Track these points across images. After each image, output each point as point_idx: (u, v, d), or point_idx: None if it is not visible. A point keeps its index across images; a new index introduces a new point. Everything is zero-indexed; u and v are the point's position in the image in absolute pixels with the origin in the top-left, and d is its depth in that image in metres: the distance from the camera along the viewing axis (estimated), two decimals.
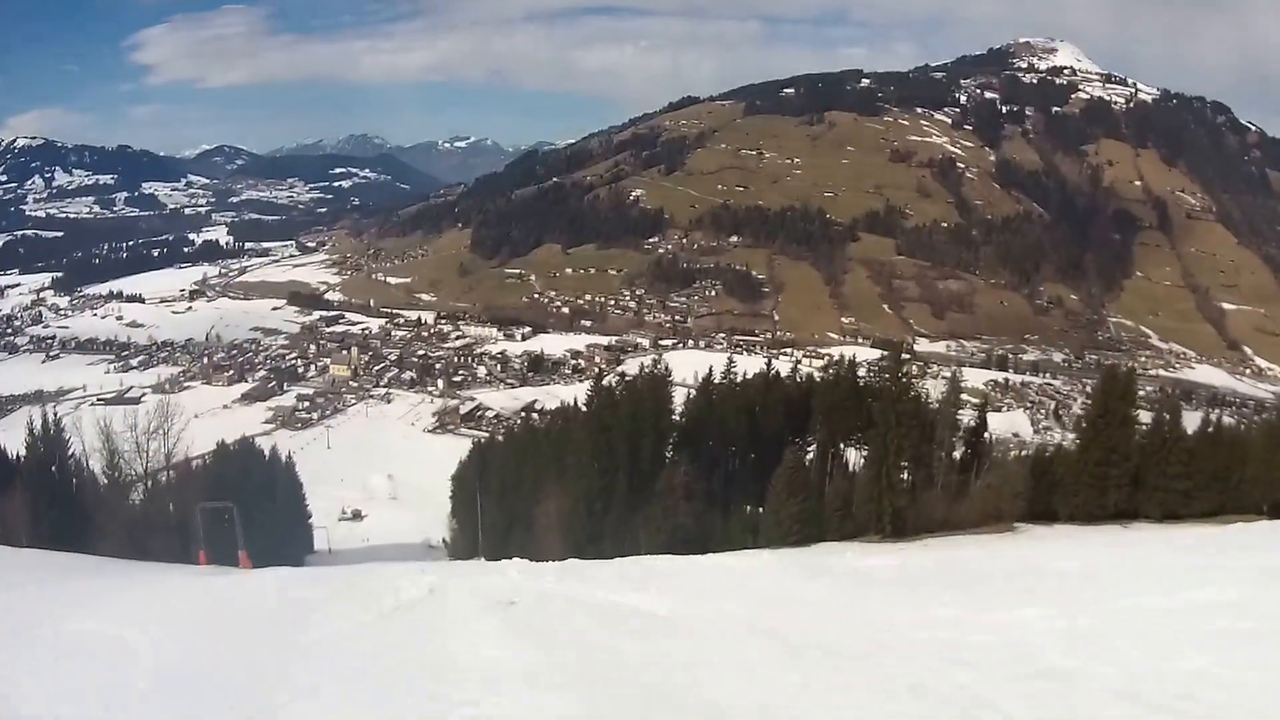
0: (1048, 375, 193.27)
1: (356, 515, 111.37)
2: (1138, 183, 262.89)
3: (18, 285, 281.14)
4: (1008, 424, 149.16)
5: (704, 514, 42.06)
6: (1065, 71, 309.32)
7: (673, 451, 45.43)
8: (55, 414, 45.37)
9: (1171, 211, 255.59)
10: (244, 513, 43.54)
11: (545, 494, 46.53)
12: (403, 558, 56.55)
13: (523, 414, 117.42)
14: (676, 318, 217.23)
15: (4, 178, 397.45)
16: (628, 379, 50.37)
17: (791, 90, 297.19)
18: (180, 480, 46.63)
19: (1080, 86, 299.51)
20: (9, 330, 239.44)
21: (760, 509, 41.90)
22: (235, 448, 65.03)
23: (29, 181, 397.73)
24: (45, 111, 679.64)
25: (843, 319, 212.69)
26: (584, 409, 47.58)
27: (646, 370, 52.08)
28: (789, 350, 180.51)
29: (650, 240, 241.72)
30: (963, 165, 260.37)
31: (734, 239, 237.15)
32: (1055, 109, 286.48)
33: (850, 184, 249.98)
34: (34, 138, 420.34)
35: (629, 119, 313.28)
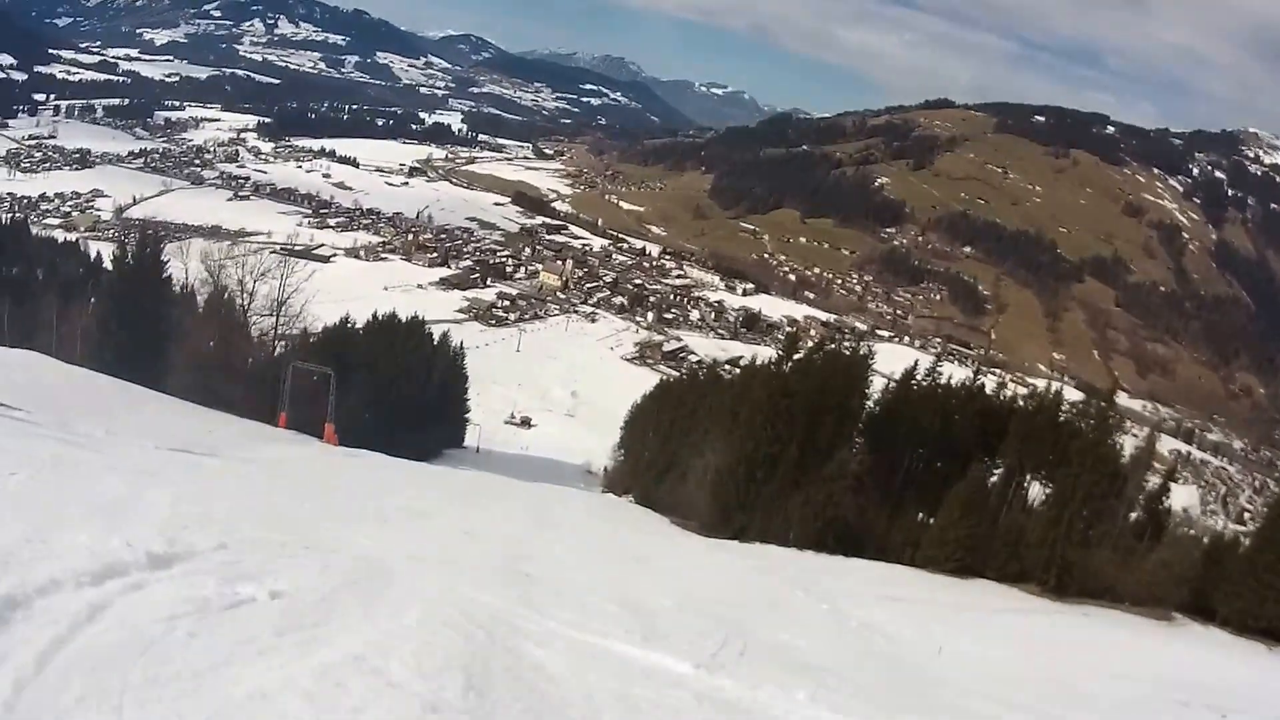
0: (1225, 459, 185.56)
1: (525, 422, 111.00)
2: None
3: (217, 120, 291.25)
4: (1180, 498, 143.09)
5: (867, 512, 38.10)
6: None
7: (854, 437, 41.20)
8: (225, 251, 43.23)
9: None
10: (374, 388, 43.86)
11: (710, 447, 42.76)
12: (553, 476, 54.46)
13: (724, 366, 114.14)
14: (898, 312, 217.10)
15: (218, 13, 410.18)
16: (827, 348, 46.18)
17: (1041, 118, 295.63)
18: (297, 339, 44.00)
19: None
20: (197, 161, 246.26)
21: (928, 521, 37.84)
22: (393, 321, 61.39)
23: (246, 23, 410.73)
24: None
25: (1054, 354, 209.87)
26: (772, 367, 43.29)
27: (848, 346, 47.70)
28: (996, 370, 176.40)
29: (888, 230, 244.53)
30: (1186, 235, 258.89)
31: (967, 249, 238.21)
32: (1274, 205, 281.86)
33: (1084, 224, 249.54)
34: None
35: (884, 107, 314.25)
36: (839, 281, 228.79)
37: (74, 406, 22.74)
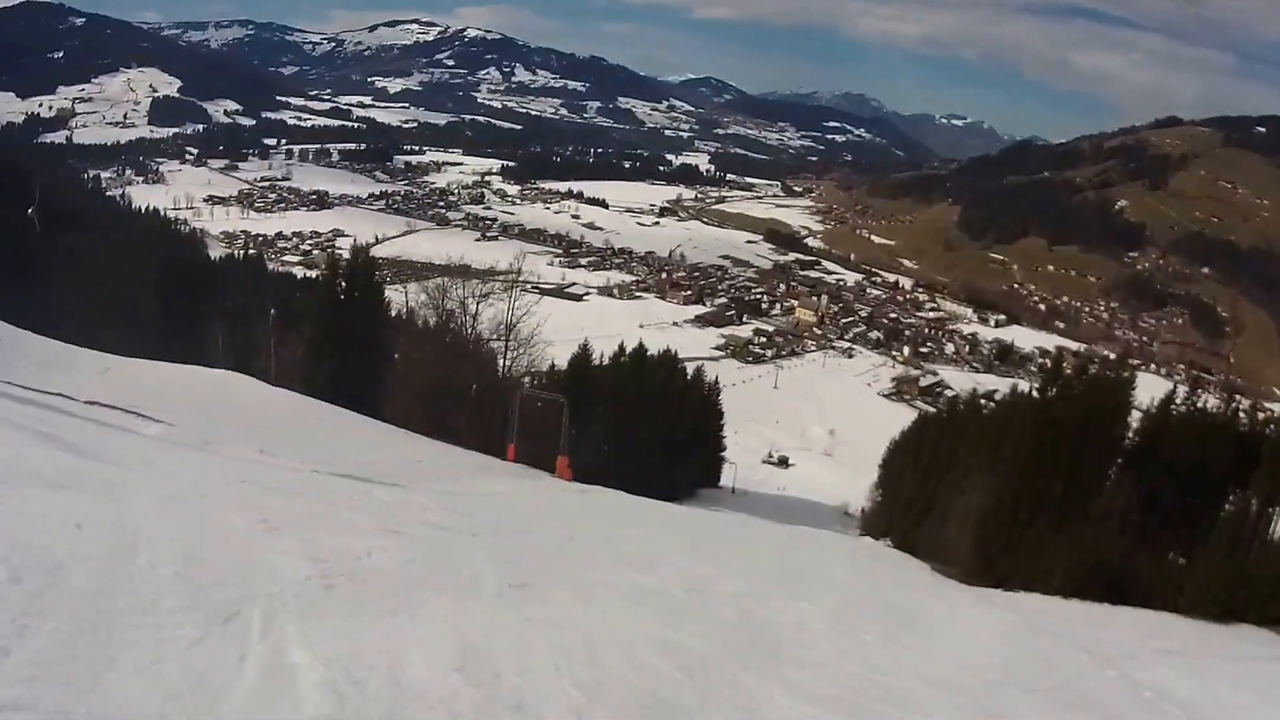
0: None
1: (783, 462, 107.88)
2: None
3: (460, 164, 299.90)
4: None
5: (1132, 554, 34.53)
6: None
7: (1117, 472, 37.89)
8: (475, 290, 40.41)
9: None
10: (617, 422, 41.31)
11: (971, 485, 39.72)
12: (809, 517, 51.83)
13: (981, 399, 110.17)
14: (1143, 338, 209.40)
15: (451, 63, 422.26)
16: (1089, 374, 42.55)
17: (1262, 129, 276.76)
18: (531, 367, 42.16)
19: None
20: (441, 203, 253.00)
21: (1184, 561, 33.98)
22: (642, 353, 57.39)
23: (483, 71, 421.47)
24: (500, 7, 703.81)
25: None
26: (1034, 395, 39.95)
27: (1110, 371, 44.10)
28: (1238, 396, 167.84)
29: (1130, 254, 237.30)
30: None
31: (1205, 270, 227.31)
32: None
33: None
34: (488, 30, 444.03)
35: (1118, 128, 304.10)
36: (1086, 309, 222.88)
37: (261, 426, 22.08)
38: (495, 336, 39.05)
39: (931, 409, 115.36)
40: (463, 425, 34.20)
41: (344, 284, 39.37)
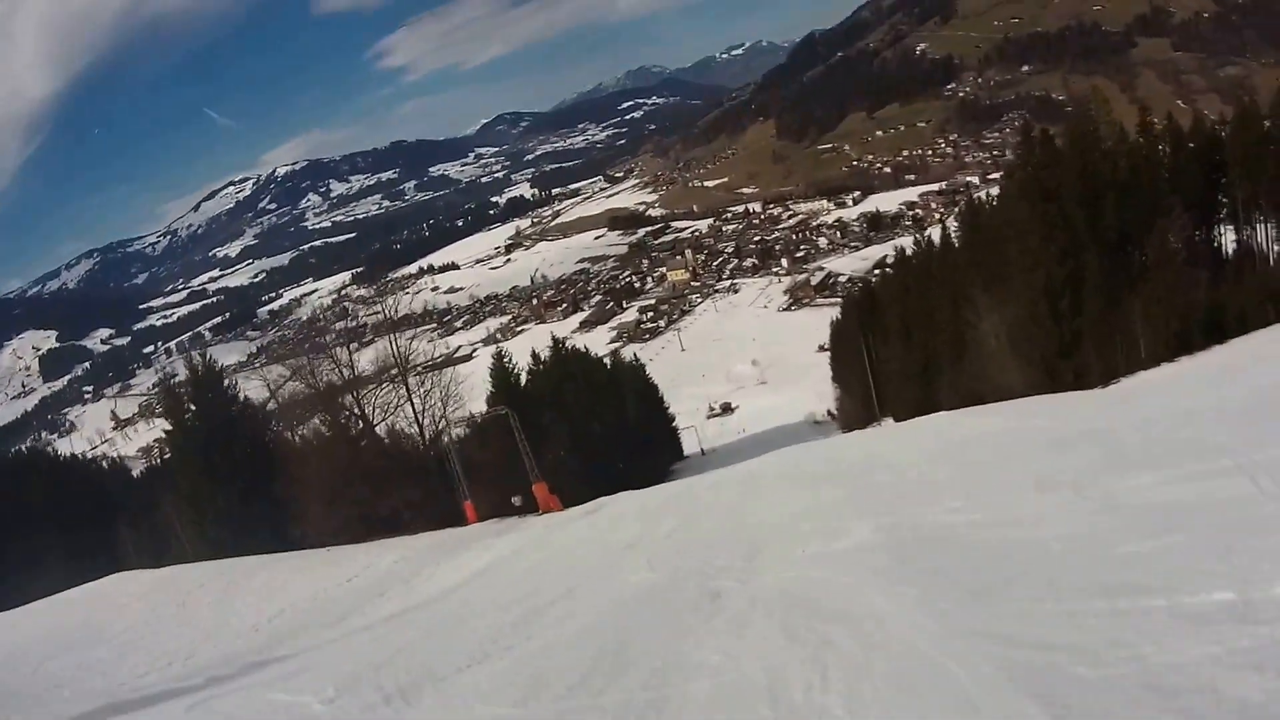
0: None
1: (726, 409, 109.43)
2: None
3: (316, 290, 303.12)
4: None
5: (1213, 283, 28.79)
6: None
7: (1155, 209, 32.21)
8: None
9: None
10: (569, 428, 38.16)
11: (980, 309, 33.26)
12: (789, 440, 48.73)
13: (877, 271, 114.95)
14: (994, 152, 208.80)
15: (274, 206, 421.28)
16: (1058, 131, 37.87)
17: None
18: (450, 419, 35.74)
19: None
20: (312, 332, 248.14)
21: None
22: (560, 353, 52.79)
23: (303, 201, 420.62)
24: (301, 139, 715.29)
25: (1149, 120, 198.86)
26: (1015, 181, 34.39)
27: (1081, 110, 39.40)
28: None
29: (948, 87, 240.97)
30: None
31: (1025, 68, 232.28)
32: None
33: None
34: (294, 163, 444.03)
35: None
36: (930, 152, 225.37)
37: (135, 645, 16.43)
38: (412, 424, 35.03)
39: (834, 300, 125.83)
40: (405, 507, 28.80)
41: (192, 407, 34.82)
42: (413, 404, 34.41)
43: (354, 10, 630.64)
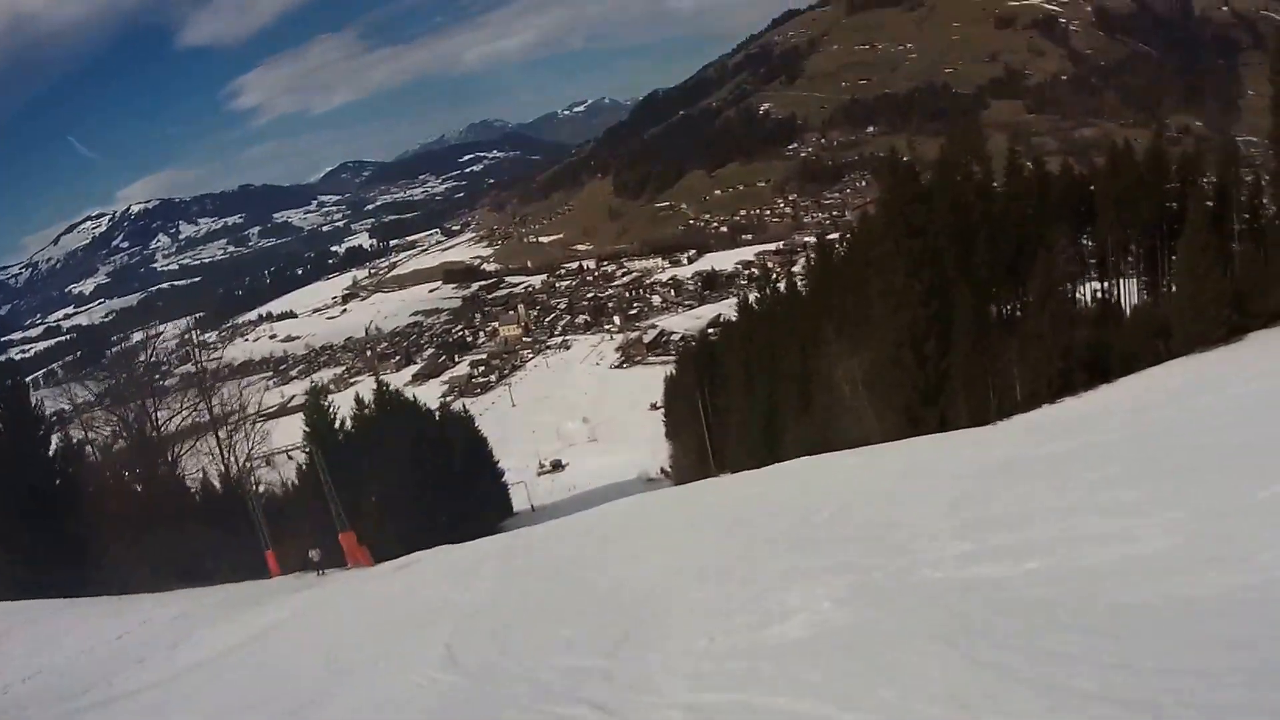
0: None
1: (557, 465, 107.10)
2: (1224, 8, 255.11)
3: (161, 333, 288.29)
4: None
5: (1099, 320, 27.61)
6: None
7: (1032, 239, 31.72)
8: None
9: (1262, 29, 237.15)
10: (388, 477, 35.44)
11: (832, 355, 31.14)
12: (623, 497, 44.46)
13: (711, 330, 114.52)
14: (834, 213, 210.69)
15: (126, 244, 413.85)
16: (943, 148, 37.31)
17: None
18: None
19: None
20: (158, 376, 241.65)
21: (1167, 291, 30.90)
22: (384, 398, 49.92)
23: (154, 241, 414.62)
24: (157, 176, 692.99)
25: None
26: (879, 217, 32.89)
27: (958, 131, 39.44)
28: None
29: (789, 148, 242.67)
30: (1064, 20, 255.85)
31: (870, 129, 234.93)
32: None
33: (965, 56, 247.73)
34: (148, 201, 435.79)
35: (736, 44, 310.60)
36: (768, 212, 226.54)
37: None
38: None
39: (667, 359, 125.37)
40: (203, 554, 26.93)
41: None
42: (220, 449, 34.06)
43: (214, 46, 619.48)
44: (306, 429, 37.12)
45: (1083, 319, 31.26)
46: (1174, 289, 30.77)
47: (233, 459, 33.49)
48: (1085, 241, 38.00)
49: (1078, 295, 36.85)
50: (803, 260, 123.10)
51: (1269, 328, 26.07)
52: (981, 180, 35.75)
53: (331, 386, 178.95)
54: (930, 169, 37.94)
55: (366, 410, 45.17)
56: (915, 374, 28.68)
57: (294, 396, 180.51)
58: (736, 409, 45.76)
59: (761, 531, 12.66)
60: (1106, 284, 38.28)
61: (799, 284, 46.15)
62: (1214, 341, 26.15)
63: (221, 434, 34.85)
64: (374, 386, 52.04)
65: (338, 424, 40.54)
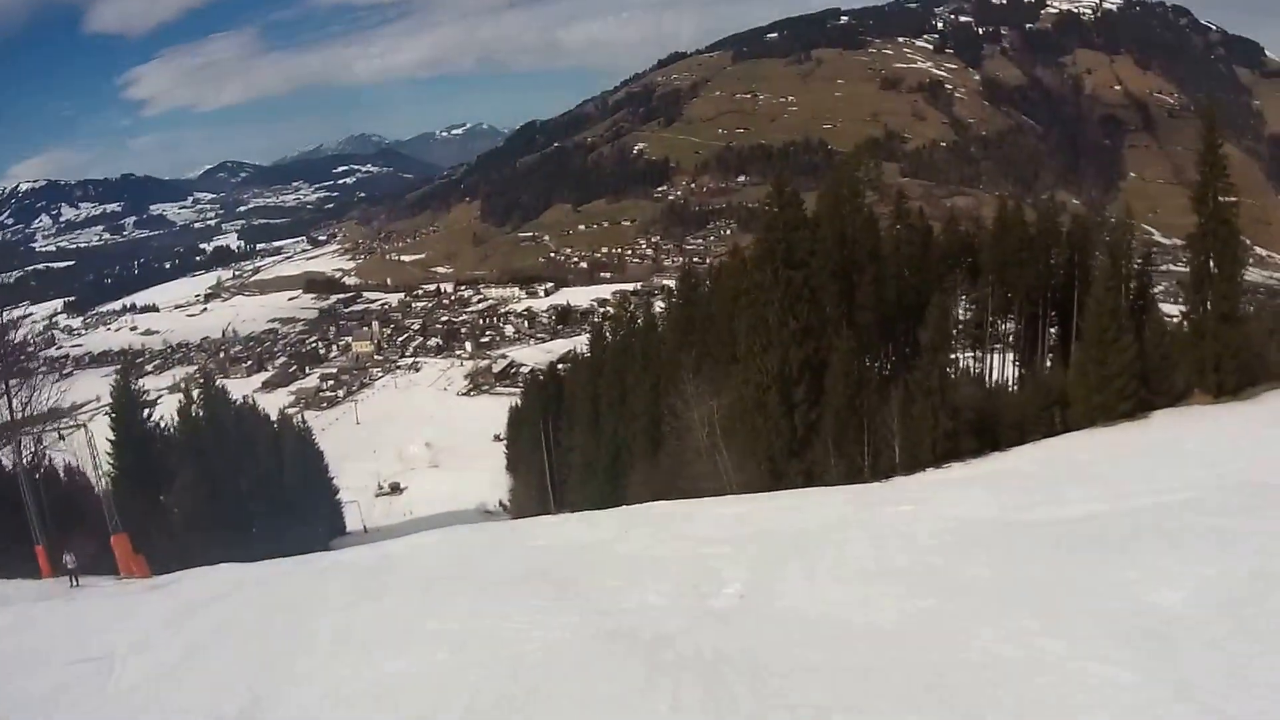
0: None
1: (395, 488, 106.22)
2: (1117, 87, 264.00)
3: (30, 315, 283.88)
4: None
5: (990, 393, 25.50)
6: None
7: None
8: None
9: (1153, 112, 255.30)
10: (211, 483, 34.59)
11: (688, 396, 28.12)
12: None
13: (561, 366, 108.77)
14: (694, 259, 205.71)
15: (11, 220, 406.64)
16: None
17: (775, 34, 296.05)
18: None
19: (1048, 2, 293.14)
20: (22, 357, 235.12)
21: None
22: (214, 401, 47.16)
23: (36, 221, 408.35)
24: (48, 155, 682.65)
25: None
26: (757, 245, 30.24)
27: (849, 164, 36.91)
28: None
29: (659, 190, 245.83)
30: (950, 87, 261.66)
31: (741, 178, 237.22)
32: (1029, 25, 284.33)
33: (846, 115, 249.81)
34: (37, 180, 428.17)
35: (620, 82, 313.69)
36: (630, 252, 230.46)
37: None
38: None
39: (514, 390, 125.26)
40: None
41: None
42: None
43: (120, 34, 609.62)
44: (110, 413, 34.88)
45: (971, 380, 29.27)
46: (1074, 356, 29.38)
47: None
48: (963, 307, 36.35)
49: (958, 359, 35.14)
50: (661, 300, 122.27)
51: (1174, 406, 25.24)
52: (869, 215, 33.34)
53: (183, 385, 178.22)
54: (822, 190, 35.95)
55: (194, 408, 42.55)
56: (780, 421, 26.11)
57: (147, 390, 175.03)
58: (580, 448, 44.25)
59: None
60: (977, 353, 37.00)
61: (657, 321, 44.49)
62: (1118, 416, 24.80)
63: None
64: (200, 385, 50.26)
65: (147, 415, 38.33)
